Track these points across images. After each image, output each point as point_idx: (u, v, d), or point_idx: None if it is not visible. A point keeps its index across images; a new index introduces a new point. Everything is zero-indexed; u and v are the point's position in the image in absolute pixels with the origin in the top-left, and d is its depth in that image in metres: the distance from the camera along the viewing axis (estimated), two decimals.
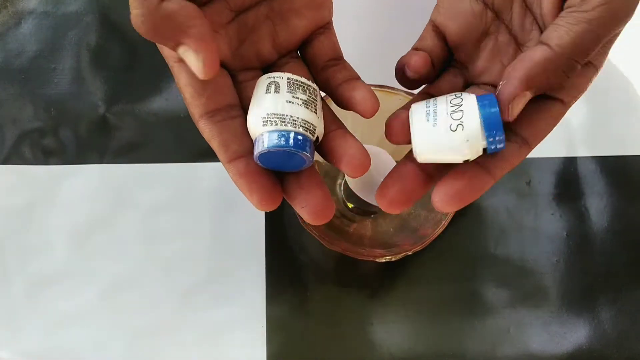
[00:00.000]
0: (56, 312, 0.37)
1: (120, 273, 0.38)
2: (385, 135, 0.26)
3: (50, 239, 0.38)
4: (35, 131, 0.40)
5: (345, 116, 0.27)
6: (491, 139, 0.23)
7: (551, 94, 0.25)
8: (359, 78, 0.27)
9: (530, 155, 0.39)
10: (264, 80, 0.25)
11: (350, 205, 0.38)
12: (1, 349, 0.37)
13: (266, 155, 0.24)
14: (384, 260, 0.33)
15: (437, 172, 0.26)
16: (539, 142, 0.26)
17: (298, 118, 0.24)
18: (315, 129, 0.24)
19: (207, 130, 0.25)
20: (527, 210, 0.39)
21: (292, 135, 0.24)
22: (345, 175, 0.35)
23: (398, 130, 0.25)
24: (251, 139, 0.25)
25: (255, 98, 0.25)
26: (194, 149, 0.40)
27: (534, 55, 0.23)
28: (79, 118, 0.40)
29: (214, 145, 0.25)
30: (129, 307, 0.38)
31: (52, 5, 0.42)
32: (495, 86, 0.26)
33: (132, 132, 0.40)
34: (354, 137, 0.26)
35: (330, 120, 0.26)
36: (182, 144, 0.40)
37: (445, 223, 0.33)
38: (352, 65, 0.28)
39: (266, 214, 0.39)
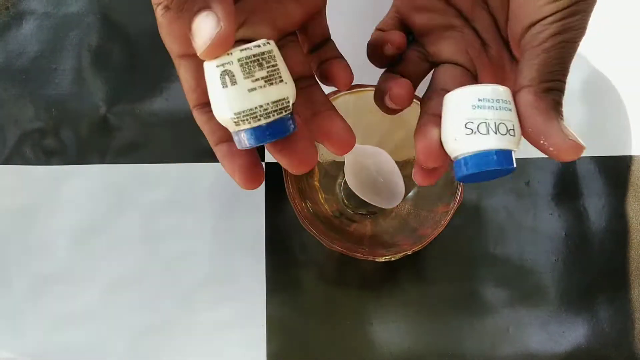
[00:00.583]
0: (57, 312, 0.37)
1: (121, 273, 0.38)
2: (419, 161, 0.26)
3: (52, 239, 0.38)
4: (37, 131, 0.40)
5: (345, 116, 0.27)
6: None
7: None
8: (341, 56, 0.29)
9: (529, 155, 0.40)
10: (213, 69, 0.23)
11: (350, 205, 0.38)
12: (3, 348, 0.37)
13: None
14: (383, 260, 0.33)
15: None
16: None
17: (268, 104, 0.23)
18: (288, 101, 0.23)
19: (198, 118, 0.27)
20: (526, 210, 0.39)
21: (267, 129, 0.23)
22: (345, 176, 0.36)
23: (434, 155, 0.26)
24: None
25: (213, 93, 0.23)
26: (194, 149, 0.40)
27: (522, 101, 0.25)
28: (79, 118, 0.40)
29: (204, 132, 0.27)
30: (129, 307, 0.38)
31: (53, 6, 0.42)
32: (463, 67, 0.29)
33: (133, 132, 0.40)
34: (341, 117, 0.27)
35: (321, 102, 0.27)
36: (182, 144, 0.40)
37: (444, 223, 0.33)
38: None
39: (266, 214, 0.39)
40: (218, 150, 0.26)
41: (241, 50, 0.22)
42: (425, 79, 0.30)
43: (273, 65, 0.23)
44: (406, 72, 0.29)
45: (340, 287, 0.38)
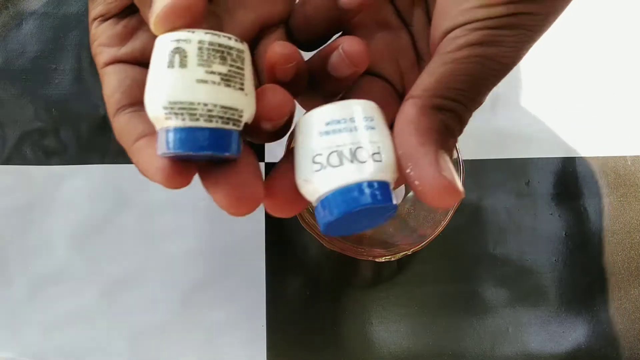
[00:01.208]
0: (57, 312, 0.37)
1: (120, 273, 0.38)
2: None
3: (51, 239, 0.38)
4: (37, 131, 0.40)
5: None
6: None
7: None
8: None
9: (529, 156, 0.40)
10: (165, 44, 0.18)
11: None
12: (2, 348, 0.37)
13: (171, 156, 0.19)
14: (383, 260, 0.33)
15: None
16: None
17: (215, 106, 0.18)
18: (241, 115, 0.19)
19: (117, 122, 0.22)
20: (526, 210, 0.39)
21: (203, 134, 0.18)
22: None
23: (285, 205, 0.21)
24: None
25: (153, 74, 0.18)
26: None
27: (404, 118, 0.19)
28: (80, 118, 0.40)
29: (122, 136, 0.22)
30: (129, 307, 0.37)
31: (53, 6, 0.42)
32: (387, 81, 0.23)
33: None
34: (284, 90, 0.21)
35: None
36: None
37: (444, 223, 0.33)
38: None
39: (266, 214, 0.39)
40: (135, 149, 0.21)
41: (206, 32, 0.18)
42: None
43: (238, 67, 0.19)
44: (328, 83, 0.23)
45: (340, 287, 0.38)
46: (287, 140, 0.33)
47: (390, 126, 0.20)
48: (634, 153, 0.40)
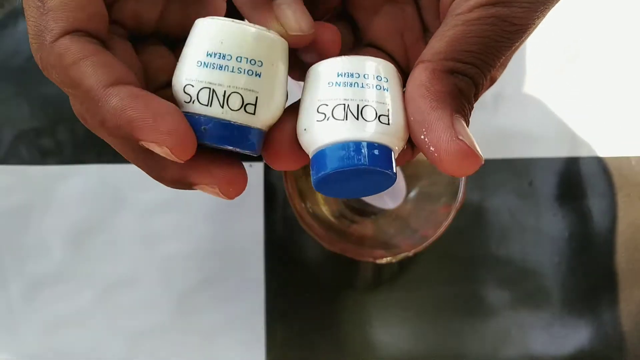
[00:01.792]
0: (54, 314, 0.37)
1: (118, 274, 0.38)
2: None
3: (48, 240, 0.38)
4: (32, 131, 0.40)
5: None
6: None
7: None
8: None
9: (532, 156, 0.40)
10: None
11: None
12: (0, 350, 0.37)
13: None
14: (384, 261, 0.33)
15: None
16: None
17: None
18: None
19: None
20: (529, 210, 0.39)
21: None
22: None
23: (282, 154, 0.20)
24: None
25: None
26: None
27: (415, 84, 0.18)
28: (76, 118, 0.39)
29: (92, 80, 0.18)
30: (127, 308, 0.37)
31: None
32: (390, 55, 0.22)
33: None
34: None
35: None
36: None
37: (446, 224, 0.32)
38: None
39: (265, 214, 0.38)
40: (115, 93, 0.17)
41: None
42: None
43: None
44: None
45: (340, 289, 0.38)
46: None
47: None
48: (638, 154, 0.40)
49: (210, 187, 0.19)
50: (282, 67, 0.19)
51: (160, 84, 0.21)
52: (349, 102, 0.18)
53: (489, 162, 0.40)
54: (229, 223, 0.38)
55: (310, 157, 0.19)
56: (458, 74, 0.18)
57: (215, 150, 0.19)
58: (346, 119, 0.18)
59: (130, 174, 0.39)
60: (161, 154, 0.18)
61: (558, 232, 0.39)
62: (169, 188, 0.38)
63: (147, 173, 0.20)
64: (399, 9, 0.23)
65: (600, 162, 0.40)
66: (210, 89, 0.18)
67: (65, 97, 0.43)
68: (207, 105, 0.18)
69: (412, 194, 0.37)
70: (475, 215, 0.39)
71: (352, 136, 0.18)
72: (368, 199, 0.36)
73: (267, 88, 0.19)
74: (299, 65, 0.21)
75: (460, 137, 0.17)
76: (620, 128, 0.41)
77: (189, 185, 0.20)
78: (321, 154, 0.18)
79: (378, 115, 0.18)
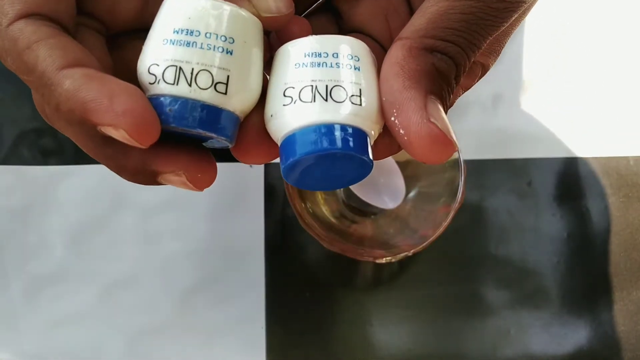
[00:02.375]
0: (55, 313, 0.37)
1: (119, 273, 0.38)
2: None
3: (49, 240, 0.38)
4: (34, 131, 0.40)
5: None
6: None
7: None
8: None
9: (531, 156, 0.40)
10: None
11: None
12: (0, 350, 0.37)
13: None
14: (384, 261, 0.33)
15: None
16: None
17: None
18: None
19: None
20: (528, 211, 0.39)
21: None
22: None
23: (251, 147, 0.19)
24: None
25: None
26: None
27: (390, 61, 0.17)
28: None
29: (46, 62, 0.17)
30: (128, 308, 0.37)
31: None
32: (375, 40, 0.21)
33: None
34: None
35: None
36: None
37: (445, 224, 0.32)
38: None
39: (265, 214, 0.38)
40: (69, 75, 0.16)
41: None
42: None
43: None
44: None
45: (340, 288, 0.38)
46: None
47: None
48: (636, 153, 0.40)
49: (176, 176, 0.18)
50: (256, 48, 0.18)
51: None
52: (317, 83, 0.16)
53: (488, 163, 0.40)
54: (229, 223, 0.38)
55: (279, 145, 0.17)
56: (437, 53, 0.17)
57: (183, 141, 0.18)
58: (314, 101, 0.16)
59: None
60: (120, 139, 0.16)
61: (557, 232, 0.39)
62: (169, 188, 0.37)
63: (107, 165, 0.19)
64: None
65: (598, 162, 0.40)
66: (176, 67, 0.16)
67: None
68: (173, 84, 0.16)
69: (412, 194, 0.37)
70: (475, 216, 0.39)
71: (322, 119, 0.16)
72: (368, 199, 0.36)
73: (240, 67, 0.17)
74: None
75: (432, 120, 0.16)
76: (619, 128, 0.41)
77: (153, 176, 0.18)
78: (290, 140, 0.17)
79: (349, 96, 0.16)
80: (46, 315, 0.37)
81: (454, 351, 0.37)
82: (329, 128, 0.16)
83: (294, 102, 0.17)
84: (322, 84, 0.16)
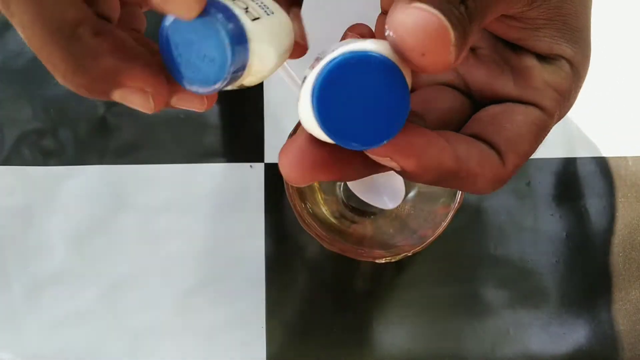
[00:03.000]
0: (56, 313, 0.37)
1: (120, 274, 0.38)
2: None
3: (50, 240, 0.38)
4: (35, 132, 0.40)
5: None
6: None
7: (510, 94, 0.19)
8: None
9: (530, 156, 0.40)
10: None
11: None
12: (2, 350, 0.37)
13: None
14: (383, 261, 0.33)
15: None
16: (518, 157, 0.19)
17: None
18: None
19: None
20: (527, 211, 0.39)
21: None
22: None
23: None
24: None
25: None
26: (193, 150, 0.39)
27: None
28: (78, 119, 0.40)
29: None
30: (129, 308, 0.38)
31: None
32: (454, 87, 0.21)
33: (132, 133, 0.40)
34: None
35: None
36: (181, 144, 0.40)
37: (445, 224, 0.32)
38: None
39: (266, 215, 0.39)
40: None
41: None
42: None
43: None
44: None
45: (339, 288, 0.38)
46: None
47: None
48: (635, 154, 0.40)
49: (138, 93, 0.17)
50: (287, 33, 0.19)
51: None
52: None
53: None
54: (230, 223, 0.39)
55: (311, 99, 0.15)
56: None
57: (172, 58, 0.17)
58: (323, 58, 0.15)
59: (132, 175, 0.39)
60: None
61: (556, 232, 0.39)
62: (170, 189, 0.37)
63: (60, 67, 0.17)
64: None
65: (597, 162, 0.40)
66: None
67: (67, 98, 0.43)
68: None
69: (411, 194, 0.37)
70: (474, 216, 0.39)
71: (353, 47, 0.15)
72: (367, 200, 0.36)
73: (270, 29, 0.17)
74: None
75: (417, 5, 0.14)
76: (617, 128, 0.41)
77: (112, 87, 0.17)
78: (317, 78, 0.15)
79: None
80: (47, 316, 0.37)
81: (453, 351, 0.37)
82: (355, 53, 0.15)
83: (316, 59, 0.16)
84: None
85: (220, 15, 0.16)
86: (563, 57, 0.20)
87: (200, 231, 0.38)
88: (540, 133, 0.19)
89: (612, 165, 0.40)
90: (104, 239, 0.38)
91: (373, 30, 0.20)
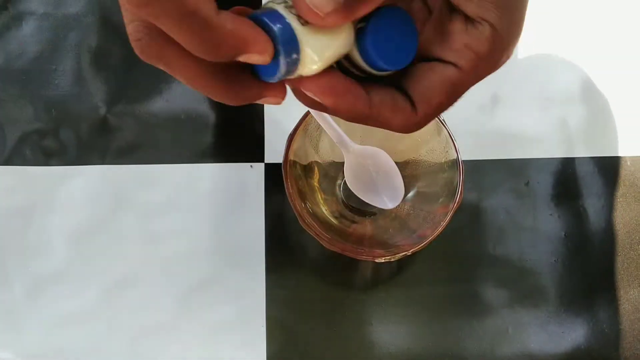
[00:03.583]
0: (56, 313, 0.37)
1: (120, 273, 0.38)
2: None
3: (51, 240, 0.38)
4: (36, 132, 0.40)
5: (339, 120, 0.27)
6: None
7: (436, 54, 0.22)
8: None
9: (529, 156, 0.40)
10: None
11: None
12: (3, 349, 0.37)
13: None
14: (383, 261, 0.33)
15: None
16: (429, 107, 0.22)
17: None
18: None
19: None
20: (526, 210, 0.39)
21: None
22: (345, 176, 0.36)
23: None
24: None
25: None
26: (194, 150, 0.40)
27: None
28: (79, 119, 0.40)
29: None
30: (129, 308, 0.38)
31: (53, 7, 0.42)
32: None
33: (133, 133, 0.40)
34: None
35: None
36: (182, 144, 0.40)
37: (444, 224, 0.32)
38: None
39: (266, 215, 0.39)
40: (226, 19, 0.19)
41: None
42: None
43: None
44: None
45: (339, 288, 0.38)
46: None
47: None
48: (633, 154, 0.40)
49: (274, 97, 0.21)
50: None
51: None
52: None
53: (486, 163, 0.40)
54: (230, 223, 0.39)
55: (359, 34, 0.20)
56: None
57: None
58: None
59: (132, 174, 0.39)
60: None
61: (554, 232, 0.39)
62: (171, 189, 0.37)
63: (217, 89, 0.21)
64: None
65: (596, 162, 0.40)
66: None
67: (69, 98, 0.43)
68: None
69: (411, 194, 0.37)
70: (473, 216, 0.39)
71: None
72: (367, 199, 0.36)
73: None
74: None
75: None
76: (616, 128, 0.41)
77: (256, 98, 0.22)
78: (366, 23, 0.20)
79: None
80: (48, 315, 0.37)
81: (452, 350, 0.37)
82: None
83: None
84: None
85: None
86: (487, 21, 0.21)
87: (200, 231, 0.39)
88: (453, 88, 0.22)
89: (611, 165, 0.40)
90: (104, 239, 0.38)
91: None
